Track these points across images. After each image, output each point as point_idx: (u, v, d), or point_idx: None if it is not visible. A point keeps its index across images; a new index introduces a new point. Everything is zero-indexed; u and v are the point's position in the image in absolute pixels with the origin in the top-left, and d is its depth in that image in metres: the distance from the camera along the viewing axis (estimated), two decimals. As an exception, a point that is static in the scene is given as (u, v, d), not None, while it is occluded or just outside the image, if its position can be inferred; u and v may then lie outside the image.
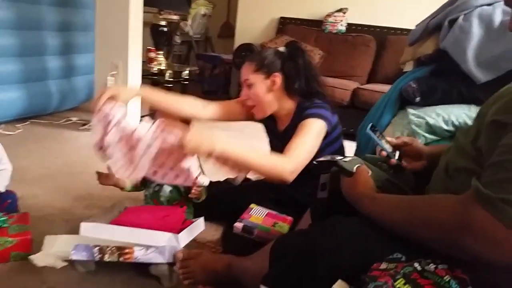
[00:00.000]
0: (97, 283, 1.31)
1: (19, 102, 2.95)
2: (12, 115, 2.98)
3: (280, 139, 1.57)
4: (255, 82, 1.50)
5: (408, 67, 2.00)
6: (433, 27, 1.80)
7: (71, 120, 3.29)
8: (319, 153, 1.41)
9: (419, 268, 0.78)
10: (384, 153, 1.11)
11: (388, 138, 1.14)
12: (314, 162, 1.16)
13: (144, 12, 3.00)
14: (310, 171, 1.37)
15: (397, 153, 1.13)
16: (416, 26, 1.95)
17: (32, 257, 1.29)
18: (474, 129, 0.85)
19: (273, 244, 0.98)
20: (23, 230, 1.47)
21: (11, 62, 2.87)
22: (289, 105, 1.53)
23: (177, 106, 1.56)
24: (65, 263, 1.28)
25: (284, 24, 4.45)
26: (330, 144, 1.50)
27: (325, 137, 1.44)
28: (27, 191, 1.88)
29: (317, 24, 4.29)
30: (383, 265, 0.80)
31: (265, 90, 1.50)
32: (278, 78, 1.48)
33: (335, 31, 4.16)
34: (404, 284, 0.73)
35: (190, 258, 1.25)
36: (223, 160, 1.21)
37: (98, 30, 3.01)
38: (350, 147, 1.72)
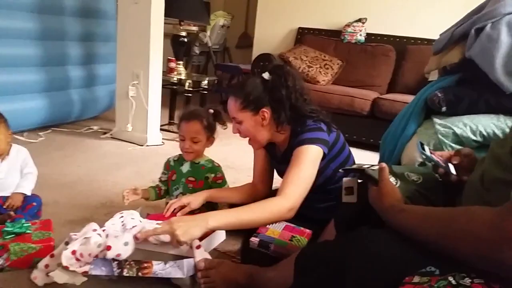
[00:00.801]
0: (110, 286, 1.30)
1: (41, 110, 3.02)
2: (35, 123, 3.04)
3: (281, 163, 1.55)
4: (243, 119, 1.46)
5: (433, 76, 1.97)
6: (459, 35, 1.76)
7: (92, 128, 3.34)
8: (323, 171, 1.39)
9: (453, 282, 0.74)
10: (441, 170, 1.05)
11: (438, 153, 1.10)
12: (340, 171, 1.14)
13: (165, 23, 3.04)
14: (320, 187, 1.36)
15: (451, 167, 1.08)
16: (441, 35, 1.92)
17: (52, 274, 1.28)
18: (511, 140, 0.82)
19: (298, 255, 0.96)
20: (46, 236, 1.49)
21: (35, 72, 2.94)
22: (283, 132, 1.50)
23: (239, 196, 1.60)
24: (85, 279, 1.27)
25: (303, 34, 4.46)
26: (333, 160, 1.48)
27: (324, 157, 1.40)
28: (49, 197, 1.90)
29: (336, 34, 4.28)
30: (416, 279, 0.77)
31: (255, 125, 1.46)
32: (266, 113, 1.44)
33: (354, 41, 4.14)
34: (442, 299, 0.70)
35: (212, 268, 1.23)
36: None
37: (120, 41, 3.07)
38: (370, 157, 1.70)
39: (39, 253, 1.41)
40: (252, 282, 1.14)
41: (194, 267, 1.24)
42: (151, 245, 1.25)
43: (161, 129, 3.26)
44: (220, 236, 1.39)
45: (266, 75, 1.44)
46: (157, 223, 1.28)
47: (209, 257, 1.29)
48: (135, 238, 1.23)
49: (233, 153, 2.89)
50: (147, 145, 3.04)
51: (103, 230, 1.30)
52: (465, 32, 1.70)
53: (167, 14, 3.10)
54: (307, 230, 1.40)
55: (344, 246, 0.90)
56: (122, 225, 1.38)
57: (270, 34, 4.65)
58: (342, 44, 4.18)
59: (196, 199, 1.53)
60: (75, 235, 1.32)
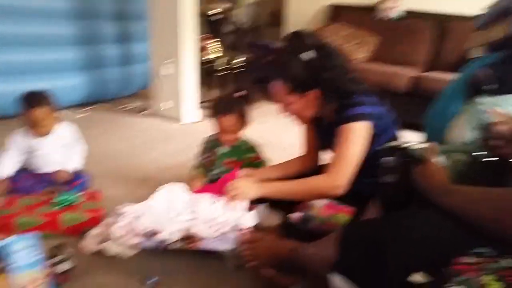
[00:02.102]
0: (162, 257, 1.37)
1: (81, 88, 3.12)
2: (75, 100, 3.15)
3: (326, 134, 1.53)
4: (290, 102, 1.43)
5: (476, 52, 1.89)
6: (504, 11, 1.69)
7: (129, 106, 3.43)
8: (371, 146, 1.37)
9: (505, 264, 0.74)
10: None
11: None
12: (379, 148, 1.14)
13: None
14: (366, 161, 1.35)
15: None
16: (484, 10, 1.84)
17: (103, 245, 1.35)
18: None
19: (341, 232, 0.97)
20: (95, 207, 1.57)
21: (74, 50, 3.04)
22: (329, 107, 1.46)
23: (289, 171, 1.61)
24: (135, 251, 1.34)
25: (336, 11, 4.34)
26: (380, 135, 1.42)
27: (372, 132, 1.37)
28: (93, 171, 1.97)
29: (371, 11, 4.15)
30: (468, 259, 0.77)
31: (303, 106, 1.44)
32: (313, 93, 1.40)
33: (390, 17, 4.01)
34: (497, 281, 0.70)
35: (255, 241, 1.27)
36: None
37: (152, 19, 3.09)
38: (408, 136, 1.66)
39: (88, 223, 1.49)
40: (293, 257, 1.16)
41: (238, 240, 1.28)
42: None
43: (196, 107, 3.30)
44: (262, 211, 1.42)
45: (308, 55, 1.37)
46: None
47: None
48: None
49: (269, 131, 2.90)
50: (183, 123, 3.10)
51: (149, 208, 1.37)
52: (510, 7, 1.63)
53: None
54: (349, 208, 1.41)
55: (386, 227, 0.90)
56: (169, 202, 1.44)
57: (302, 11, 4.56)
58: (378, 21, 4.05)
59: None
60: (124, 209, 1.38)
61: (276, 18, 5.64)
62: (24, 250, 1.04)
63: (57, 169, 1.79)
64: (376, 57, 3.85)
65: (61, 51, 2.97)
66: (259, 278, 1.28)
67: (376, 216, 1.14)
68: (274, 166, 1.70)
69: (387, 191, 1.14)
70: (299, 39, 1.39)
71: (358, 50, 3.80)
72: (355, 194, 1.44)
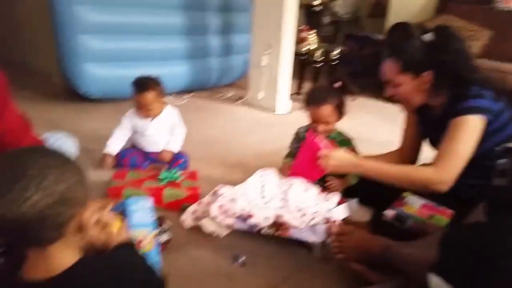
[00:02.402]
0: (251, 240, 1.42)
1: (185, 76, 3.35)
2: (179, 87, 3.38)
3: (433, 128, 1.45)
4: (401, 82, 1.37)
5: None
6: None
7: (227, 95, 3.59)
8: (482, 144, 1.26)
9: None
10: None
11: None
12: (497, 149, 1.04)
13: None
14: (473, 160, 1.25)
15: None
16: None
17: (201, 222, 1.44)
18: None
19: (443, 234, 0.93)
20: (193, 185, 1.69)
21: (180, 40, 3.26)
22: (441, 96, 1.37)
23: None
24: (229, 231, 1.41)
25: (444, 2, 4.02)
26: (495, 133, 1.30)
27: (486, 128, 1.26)
28: (192, 153, 2.10)
29: (485, 1, 3.77)
30: None
31: (414, 89, 1.37)
32: (427, 76, 1.33)
33: (508, 9, 3.60)
34: None
35: (344, 234, 1.26)
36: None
37: (256, 11, 3.17)
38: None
39: (187, 199, 1.61)
40: (385, 255, 1.13)
41: (328, 231, 1.29)
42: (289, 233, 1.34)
43: (289, 99, 3.34)
44: (352, 206, 1.40)
45: (428, 36, 1.32)
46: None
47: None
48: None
49: (363, 126, 2.81)
50: (276, 113, 3.16)
51: (244, 191, 1.44)
52: None
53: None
54: (448, 210, 1.32)
55: (495, 232, 0.84)
56: (262, 187, 1.50)
57: (407, 1, 4.31)
58: (493, 13, 3.67)
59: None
60: (222, 190, 1.46)
61: (378, 9, 5.41)
62: (141, 210, 1.16)
63: (161, 149, 1.96)
64: (488, 53, 3.49)
65: (171, 41, 3.21)
66: (346, 271, 1.27)
67: (480, 221, 1.06)
68: (368, 156, 1.66)
69: (497, 195, 1.05)
70: (398, 31, 1.34)
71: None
72: (452, 196, 1.35)
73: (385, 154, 1.64)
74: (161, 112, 1.97)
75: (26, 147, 0.72)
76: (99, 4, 2.74)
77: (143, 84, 1.89)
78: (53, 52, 2.92)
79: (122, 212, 1.10)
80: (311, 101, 1.67)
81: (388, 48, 1.38)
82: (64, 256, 0.69)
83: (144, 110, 1.91)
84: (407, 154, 1.60)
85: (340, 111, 1.67)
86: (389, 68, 1.37)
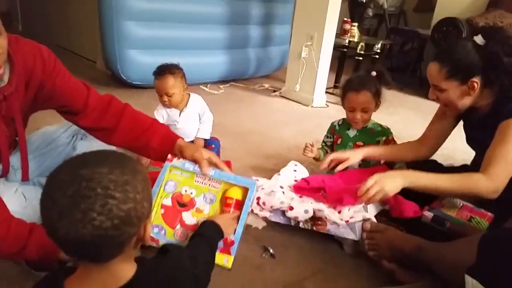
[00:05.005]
0: (281, 233, 1.41)
1: (223, 65, 3.37)
2: (217, 77, 3.42)
3: (475, 128, 1.40)
4: (447, 88, 1.31)
5: None
6: None
7: (263, 86, 3.58)
8: None
9: None
10: None
11: None
12: None
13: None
14: None
15: None
16: None
17: None
18: None
19: (483, 237, 0.90)
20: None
21: (221, 30, 3.28)
22: (487, 97, 1.31)
23: (399, 154, 1.58)
24: (265, 224, 1.41)
25: (498, -4, 3.81)
26: None
27: None
28: (227, 143, 2.13)
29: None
30: None
31: (460, 95, 1.30)
32: (476, 83, 1.26)
33: None
34: None
35: (378, 231, 1.23)
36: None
37: (298, 1, 3.13)
38: None
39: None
40: (420, 254, 1.09)
41: (362, 228, 1.26)
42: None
43: (326, 92, 3.29)
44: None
45: (479, 39, 1.26)
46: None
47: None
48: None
49: (400, 123, 2.74)
50: (312, 106, 3.12)
51: (281, 187, 1.43)
52: None
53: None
54: (489, 213, 1.26)
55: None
56: (295, 180, 1.48)
57: (457, -5, 4.12)
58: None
59: (355, 155, 1.53)
60: (259, 182, 1.46)
61: (425, 3, 5.21)
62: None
63: (192, 139, 1.95)
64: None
65: (212, 30, 3.24)
66: (376, 269, 1.25)
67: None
68: (387, 146, 1.63)
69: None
70: (446, 26, 1.28)
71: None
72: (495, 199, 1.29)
73: (401, 144, 1.62)
74: (187, 100, 1.92)
75: (94, 155, 0.66)
76: (145, -8, 2.80)
77: (163, 69, 1.83)
78: (98, 38, 3.02)
79: None
80: (350, 87, 1.64)
81: (436, 51, 1.33)
82: (122, 269, 0.66)
83: (164, 98, 1.83)
84: (428, 146, 1.55)
85: (377, 100, 1.63)
86: (434, 72, 1.32)
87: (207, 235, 1.01)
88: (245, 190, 1.18)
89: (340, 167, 1.51)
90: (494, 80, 1.25)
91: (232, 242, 1.10)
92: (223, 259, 1.09)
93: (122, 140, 1.25)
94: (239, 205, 1.16)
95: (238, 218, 1.14)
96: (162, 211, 1.16)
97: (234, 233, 1.11)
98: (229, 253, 1.10)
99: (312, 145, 1.68)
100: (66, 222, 0.58)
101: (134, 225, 0.62)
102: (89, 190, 0.58)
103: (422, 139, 1.58)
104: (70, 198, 0.58)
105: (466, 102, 1.32)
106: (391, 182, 1.21)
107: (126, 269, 0.67)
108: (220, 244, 1.09)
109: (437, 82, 1.32)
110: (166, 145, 1.26)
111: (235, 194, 1.18)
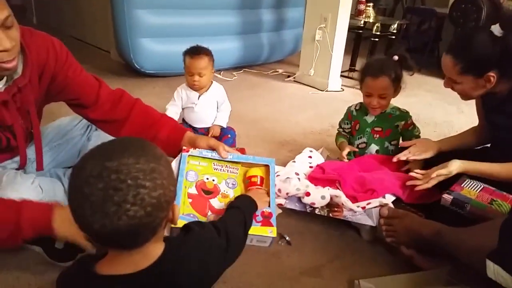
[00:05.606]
0: (298, 220, 1.41)
1: (236, 51, 3.34)
2: (230, 63, 3.39)
3: (493, 111, 1.35)
4: (462, 82, 1.27)
5: None
6: None
7: (277, 71, 3.54)
8: None
9: None
10: None
11: None
12: None
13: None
14: None
15: None
16: None
17: None
18: None
19: (506, 221, 0.87)
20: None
21: (233, 15, 3.24)
22: (506, 84, 1.25)
23: (466, 140, 1.55)
24: (280, 211, 1.40)
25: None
26: None
27: None
28: (241, 130, 2.12)
29: None
30: None
31: (475, 87, 1.27)
32: (493, 76, 1.21)
33: None
34: None
35: (395, 217, 1.21)
36: None
37: (312, -17, 3.07)
38: None
39: (236, 176, 1.62)
40: (439, 240, 1.07)
41: (379, 214, 1.25)
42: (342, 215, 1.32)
43: (341, 76, 3.23)
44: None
45: (497, 30, 1.19)
46: None
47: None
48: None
49: (418, 106, 2.67)
50: (327, 90, 3.07)
51: (296, 174, 1.42)
52: None
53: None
54: (511, 196, 1.22)
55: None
56: (310, 167, 1.46)
57: (477, -29, 3.95)
58: None
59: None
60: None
61: (442, -20, 5.04)
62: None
63: (210, 125, 1.97)
64: None
65: (224, 15, 3.20)
66: (394, 255, 1.24)
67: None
68: (443, 139, 1.58)
69: None
70: (464, 4, 1.23)
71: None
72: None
73: (465, 132, 1.58)
74: (209, 87, 1.96)
75: (115, 145, 0.67)
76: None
77: (199, 49, 1.89)
78: (111, 28, 3.02)
79: None
80: (369, 71, 1.57)
81: (450, 41, 1.28)
82: (153, 249, 0.68)
83: (194, 78, 1.88)
84: (483, 132, 1.50)
85: (396, 86, 1.58)
86: (448, 66, 1.28)
87: (239, 205, 1.03)
88: (265, 169, 1.22)
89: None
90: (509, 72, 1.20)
91: (270, 214, 1.12)
92: (267, 231, 1.10)
93: (131, 132, 1.27)
94: (263, 182, 1.20)
95: (267, 193, 1.17)
96: (190, 200, 1.17)
97: (269, 206, 1.13)
98: (271, 225, 1.11)
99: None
100: (100, 216, 0.58)
101: (164, 209, 0.64)
102: (120, 182, 0.58)
103: (478, 125, 1.54)
104: (101, 191, 0.58)
105: (480, 92, 1.29)
106: (453, 163, 1.28)
107: (157, 248, 0.69)
108: (259, 218, 1.11)
109: (451, 75, 1.29)
110: (174, 136, 1.28)
111: (258, 172, 1.21)
